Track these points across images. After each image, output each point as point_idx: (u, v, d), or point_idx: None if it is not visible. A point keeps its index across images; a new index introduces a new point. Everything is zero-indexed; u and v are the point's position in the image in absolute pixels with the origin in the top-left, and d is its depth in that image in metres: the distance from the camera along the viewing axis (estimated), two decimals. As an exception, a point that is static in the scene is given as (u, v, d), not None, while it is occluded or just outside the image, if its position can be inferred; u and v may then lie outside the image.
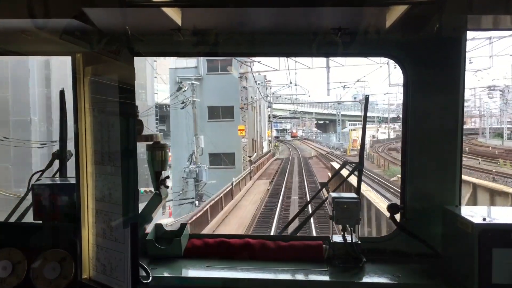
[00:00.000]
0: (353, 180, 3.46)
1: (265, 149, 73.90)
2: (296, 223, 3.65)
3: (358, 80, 51.75)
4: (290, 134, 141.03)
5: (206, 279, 2.74)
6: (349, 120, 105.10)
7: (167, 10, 2.53)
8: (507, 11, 2.54)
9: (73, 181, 2.69)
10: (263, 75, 62.90)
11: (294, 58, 36.53)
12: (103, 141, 2.36)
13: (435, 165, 2.95)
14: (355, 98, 77.46)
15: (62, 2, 2.52)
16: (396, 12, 2.51)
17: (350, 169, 3.26)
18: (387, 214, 3.04)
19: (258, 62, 42.57)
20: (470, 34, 2.86)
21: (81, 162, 2.45)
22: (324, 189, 4.06)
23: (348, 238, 2.89)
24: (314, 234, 17.69)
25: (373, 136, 75.02)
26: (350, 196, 2.91)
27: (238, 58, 38.31)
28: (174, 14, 2.60)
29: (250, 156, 43.82)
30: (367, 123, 3.39)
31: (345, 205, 2.84)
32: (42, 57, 20.80)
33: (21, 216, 3.15)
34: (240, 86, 44.97)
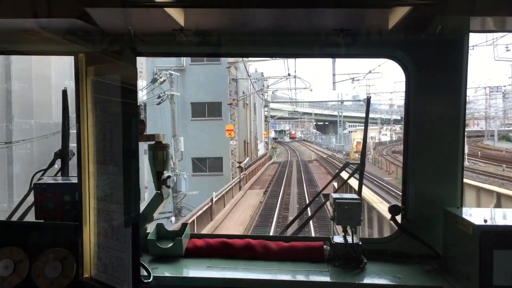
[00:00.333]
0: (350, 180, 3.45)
1: (261, 152, 67.11)
2: (295, 225, 3.65)
3: (370, 72, 45.81)
4: (288, 135, 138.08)
5: (207, 279, 2.74)
6: (349, 122, 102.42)
7: (170, 11, 2.54)
8: (510, 13, 2.54)
9: (75, 180, 2.70)
10: (260, 72, 59.00)
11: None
12: (105, 140, 2.36)
13: (436, 166, 2.95)
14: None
15: (65, 2, 2.53)
16: (398, 14, 2.51)
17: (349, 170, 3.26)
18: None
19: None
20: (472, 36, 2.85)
21: (83, 161, 2.45)
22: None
23: (349, 239, 2.90)
24: (313, 235, 17.28)
25: (373, 138, 72.11)
26: (351, 197, 2.91)
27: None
28: (177, 14, 2.61)
29: (240, 162, 36.69)
30: (368, 124, 3.39)
31: (346, 206, 2.84)
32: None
33: (23, 215, 3.16)
34: (229, 78, 37.90)
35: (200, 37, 2.88)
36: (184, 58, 35.57)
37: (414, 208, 2.99)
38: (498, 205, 16.71)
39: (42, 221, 2.87)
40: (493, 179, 32.85)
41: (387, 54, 3.03)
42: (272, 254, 2.97)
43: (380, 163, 50.85)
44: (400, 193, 3.07)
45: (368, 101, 3.36)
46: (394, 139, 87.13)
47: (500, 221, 2.54)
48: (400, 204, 3.04)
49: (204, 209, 20.41)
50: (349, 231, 2.90)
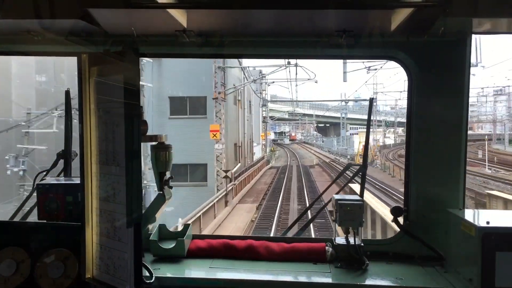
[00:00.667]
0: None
1: (258, 155, 60.28)
2: (296, 227, 3.65)
3: (385, 62, 44.88)
4: (288, 137, 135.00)
5: (209, 280, 2.74)
6: (350, 124, 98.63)
7: (172, 12, 2.54)
8: None
9: (77, 180, 2.71)
10: (258, 70, 50.75)
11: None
12: (108, 141, 2.37)
13: (438, 167, 2.94)
14: (356, 101, 75.71)
15: (68, 3, 2.54)
16: (401, 15, 2.51)
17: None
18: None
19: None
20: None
21: (86, 162, 2.46)
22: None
23: (351, 240, 2.89)
24: (313, 236, 17.31)
25: (378, 140, 67.34)
26: (353, 198, 2.91)
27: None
28: (179, 15, 2.62)
29: (226, 171, 28.57)
30: (371, 126, 3.39)
31: (349, 207, 2.84)
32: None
33: (25, 216, 3.17)
34: (214, 66, 30.39)
35: (202, 38, 2.89)
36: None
37: (417, 209, 2.99)
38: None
39: (45, 221, 2.87)
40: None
41: (389, 56, 3.03)
42: (274, 255, 2.97)
43: (391, 170, 45.07)
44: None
45: (370, 102, 3.36)
46: (398, 142, 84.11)
47: (502, 223, 2.54)
48: (402, 206, 3.04)
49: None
50: (351, 232, 2.90)
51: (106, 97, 2.37)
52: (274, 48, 3.06)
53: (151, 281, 2.53)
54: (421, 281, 2.65)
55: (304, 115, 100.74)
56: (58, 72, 24.45)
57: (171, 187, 2.97)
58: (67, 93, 3.33)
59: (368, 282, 2.68)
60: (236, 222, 23.19)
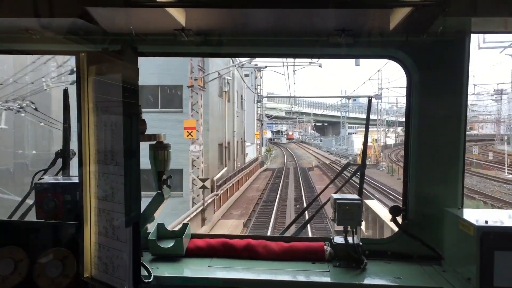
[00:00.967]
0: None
1: (252, 156, 54.83)
2: (294, 226, 3.64)
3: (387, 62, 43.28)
4: (285, 136, 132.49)
5: (207, 279, 2.74)
6: (349, 123, 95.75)
7: (171, 11, 2.54)
8: None
9: (76, 180, 2.70)
10: (253, 64, 46.11)
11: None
12: (106, 140, 2.36)
13: (437, 167, 2.95)
14: (354, 99, 74.49)
15: (67, 1, 2.54)
16: (399, 14, 2.51)
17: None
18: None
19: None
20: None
21: (84, 161, 2.45)
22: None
23: (350, 239, 2.90)
24: (310, 235, 16.76)
25: (376, 140, 62.08)
26: (352, 197, 2.91)
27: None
28: (178, 14, 2.61)
29: (204, 180, 22.74)
30: (373, 125, 3.40)
31: (347, 207, 2.84)
32: None
33: (23, 215, 3.16)
34: None
35: (201, 37, 2.89)
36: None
37: (415, 208, 2.99)
38: None
39: (43, 220, 2.87)
40: None
41: (388, 55, 3.03)
42: (273, 254, 2.97)
43: (397, 173, 41.42)
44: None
45: (369, 101, 3.36)
46: (398, 141, 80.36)
47: (501, 223, 2.54)
48: (401, 205, 3.04)
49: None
50: (349, 231, 2.90)
51: (105, 96, 2.37)
52: (273, 47, 3.06)
53: (150, 280, 2.53)
54: (419, 280, 2.66)
55: (302, 113, 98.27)
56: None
57: (169, 186, 2.97)
58: (65, 92, 3.32)
59: (367, 281, 2.68)
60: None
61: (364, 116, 3.24)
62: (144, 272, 2.57)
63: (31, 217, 2.99)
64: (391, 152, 65.26)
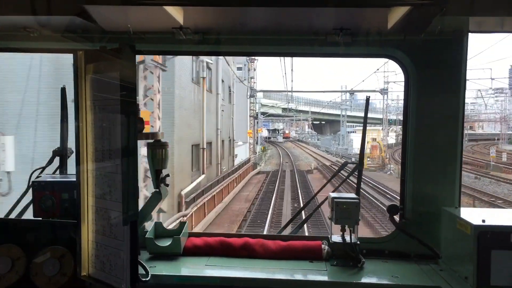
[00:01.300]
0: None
1: (243, 157, 47.01)
2: (292, 225, 3.65)
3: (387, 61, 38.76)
4: (282, 134, 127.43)
5: (205, 278, 2.74)
6: (347, 122, 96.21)
7: (169, 9, 2.53)
8: (509, 13, 2.55)
9: (73, 178, 2.69)
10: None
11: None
12: (104, 138, 2.36)
13: (435, 166, 2.96)
14: (346, 101, 72.70)
15: None
16: (398, 13, 2.51)
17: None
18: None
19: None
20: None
21: (82, 159, 2.45)
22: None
23: (348, 238, 2.90)
24: (306, 234, 16.62)
25: (374, 139, 56.32)
26: (349, 196, 2.92)
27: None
28: (176, 12, 2.61)
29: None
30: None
31: (345, 206, 2.85)
32: None
33: (21, 213, 3.15)
34: None
35: (199, 35, 2.88)
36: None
37: (412, 207, 3.00)
38: None
39: (40, 219, 2.86)
40: None
41: (386, 54, 3.04)
42: (270, 253, 2.97)
43: None
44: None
45: (367, 100, 3.36)
46: (398, 141, 77.73)
47: (498, 222, 2.55)
48: (398, 204, 3.05)
49: None
50: (347, 230, 2.91)
51: (103, 94, 2.36)
52: (271, 46, 3.05)
53: (147, 279, 2.53)
54: (416, 279, 2.67)
55: (299, 111, 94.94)
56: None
57: (167, 185, 2.97)
58: (63, 90, 3.32)
59: (364, 280, 2.69)
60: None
61: (364, 114, 3.23)
62: (141, 271, 2.57)
63: (29, 215, 2.98)
64: (393, 152, 58.76)
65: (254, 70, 52.91)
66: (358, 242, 2.91)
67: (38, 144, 14.45)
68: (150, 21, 2.79)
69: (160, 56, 17.13)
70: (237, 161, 43.07)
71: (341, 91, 63.06)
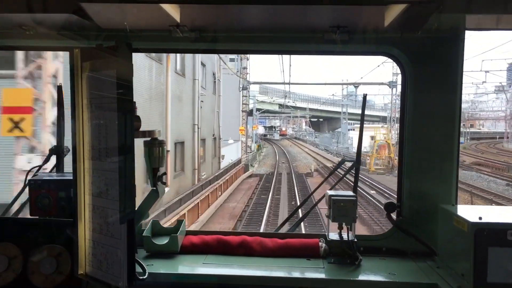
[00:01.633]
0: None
1: (233, 158, 40.93)
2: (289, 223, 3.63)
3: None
4: (278, 132, 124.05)
5: (202, 276, 2.74)
6: (345, 119, 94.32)
7: (166, 6, 2.53)
8: (506, 11, 2.55)
9: (70, 176, 2.69)
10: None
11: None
12: (101, 136, 2.35)
13: (432, 163, 2.96)
14: (350, 95, 71.18)
15: None
16: (394, 11, 2.51)
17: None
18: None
19: None
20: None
21: (78, 157, 2.44)
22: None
23: (345, 236, 2.91)
24: (303, 231, 15.96)
25: (372, 138, 52.04)
26: (347, 194, 2.92)
27: None
28: (173, 10, 2.60)
29: None
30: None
31: (342, 203, 2.85)
32: None
33: (17, 211, 3.15)
34: None
35: (196, 33, 2.88)
36: None
37: (410, 205, 3.00)
38: None
39: (37, 217, 2.85)
40: None
41: (383, 52, 3.04)
42: (268, 250, 2.97)
43: None
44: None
45: (364, 98, 3.36)
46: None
47: (495, 219, 2.56)
48: (395, 201, 3.05)
49: None
50: (344, 228, 2.91)
51: (99, 92, 2.36)
52: (268, 44, 3.05)
53: (144, 277, 2.53)
54: (413, 277, 2.67)
55: (296, 108, 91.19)
56: None
57: (164, 183, 2.96)
58: (59, 88, 3.31)
59: (361, 277, 2.69)
60: None
61: (366, 112, 3.23)
62: (138, 269, 2.56)
63: (25, 214, 2.97)
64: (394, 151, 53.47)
65: (247, 59, 48.16)
66: (355, 240, 2.91)
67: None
68: (147, 18, 2.78)
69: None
70: (224, 163, 36.87)
71: (345, 84, 58.88)
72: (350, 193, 2.96)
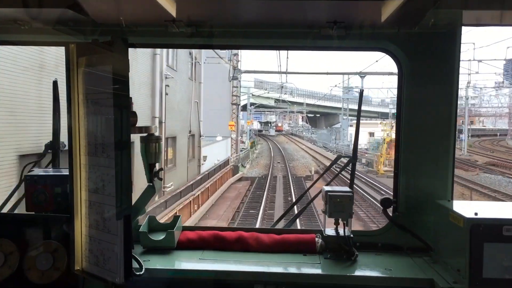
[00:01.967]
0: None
1: (219, 159, 34.46)
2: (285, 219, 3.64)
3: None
4: (274, 127, 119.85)
5: (199, 271, 2.74)
6: (345, 115, 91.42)
7: (162, 1, 2.51)
8: (503, 7, 2.55)
9: (66, 172, 2.68)
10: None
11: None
12: (97, 132, 2.35)
13: (428, 159, 2.97)
14: (348, 91, 70.06)
15: None
16: (391, 6, 2.51)
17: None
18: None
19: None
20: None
21: (74, 153, 2.44)
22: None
23: (341, 231, 2.91)
24: (299, 227, 15.19)
25: (372, 134, 50.43)
26: (343, 190, 2.93)
27: None
28: (169, 5, 2.59)
29: None
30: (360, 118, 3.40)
31: (338, 199, 2.86)
32: None
33: (13, 207, 3.14)
34: None
35: (192, 28, 2.87)
36: None
37: (406, 201, 3.01)
38: None
39: (33, 213, 2.85)
40: None
41: (380, 47, 3.04)
42: (264, 246, 2.98)
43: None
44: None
45: (360, 94, 3.36)
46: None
47: (490, 214, 2.57)
48: (391, 197, 3.06)
49: None
50: (341, 223, 2.92)
51: (95, 88, 2.35)
52: (265, 39, 3.04)
53: (141, 272, 2.53)
54: (409, 272, 2.68)
55: (293, 102, 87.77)
56: None
57: (160, 179, 2.96)
58: (55, 83, 3.29)
59: (358, 273, 2.70)
60: None
61: (363, 107, 3.23)
62: (135, 265, 2.57)
63: (21, 209, 2.97)
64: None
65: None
66: (352, 235, 2.92)
67: None
68: (143, 13, 2.76)
69: None
70: (208, 165, 30.47)
71: (349, 73, 54.23)
72: (347, 188, 2.96)
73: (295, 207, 4.21)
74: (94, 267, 2.41)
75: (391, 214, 3.06)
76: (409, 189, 3.01)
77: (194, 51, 26.98)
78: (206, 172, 25.91)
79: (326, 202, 2.90)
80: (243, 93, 55.44)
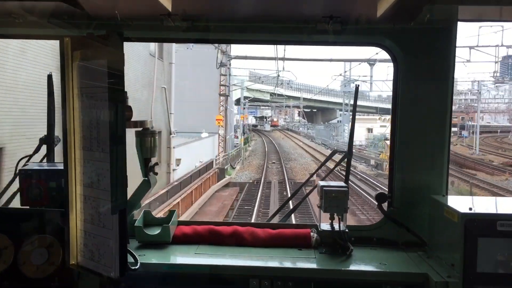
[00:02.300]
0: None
1: (202, 160, 30.93)
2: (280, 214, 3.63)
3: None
4: (270, 123, 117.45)
5: (194, 266, 2.75)
6: (340, 110, 78.35)
7: None
8: (498, 2, 2.55)
9: (61, 166, 2.67)
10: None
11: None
12: (92, 126, 2.33)
13: (423, 154, 2.98)
14: (347, 84, 68.71)
15: None
16: (387, 1, 2.50)
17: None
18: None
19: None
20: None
21: (69, 147, 2.42)
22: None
23: (336, 226, 2.92)
24: (294, 221, 14.96)
25: (370, 130, 48.94)
26: (338, 185, 2.93)
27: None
28: None
29: None
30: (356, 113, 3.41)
31: (334, 194, 2.86)
32: None
33: (8, 202, 3.13)
34: None
35: (188, 22, 2.85)
36: None
37: (401, 196, 3.02)
38: None
39: (28, 207, 2.84)
40: None
41: (375, 42, 3.04)
42: (260, 241, 2.99)
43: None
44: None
45: (356, 89, 3.36)
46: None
47: (484, 209, 2.58)
48: (386, 192, 3.07)
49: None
50: (336, 218, 2.93)
51: (90, 82, 2.33)
52: (261, 34, 3.03)
53: (136, 267, 2.53)
54: (404, 266, 2.70)
55: (289, 97, 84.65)
56: None
57: (156, 173, 2.96)
58: (49, 77, 3.27)
59: (352, 267, 2.72)
60: None
61: (361, 103, 3.23)
62: (130, 259, 2.57)
63: (16, 204, 2.95)
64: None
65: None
66: (347, 230, 2.93)
67: None
68: (138, 7, 2.75)
69: None
70: (184, 170, 26.22)
71: (356, 60, 47.67)
72: (342, 183, 2.97)
73: (290, 202, 4.22)
74: (89, 261, 2.41)
75: (386, 209, 3.07)
76: (404, 184, 3.02)
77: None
78: (176, 182, 21.18)
79: (321, 197, 2.91)
80: (236, 85, 51.20)
